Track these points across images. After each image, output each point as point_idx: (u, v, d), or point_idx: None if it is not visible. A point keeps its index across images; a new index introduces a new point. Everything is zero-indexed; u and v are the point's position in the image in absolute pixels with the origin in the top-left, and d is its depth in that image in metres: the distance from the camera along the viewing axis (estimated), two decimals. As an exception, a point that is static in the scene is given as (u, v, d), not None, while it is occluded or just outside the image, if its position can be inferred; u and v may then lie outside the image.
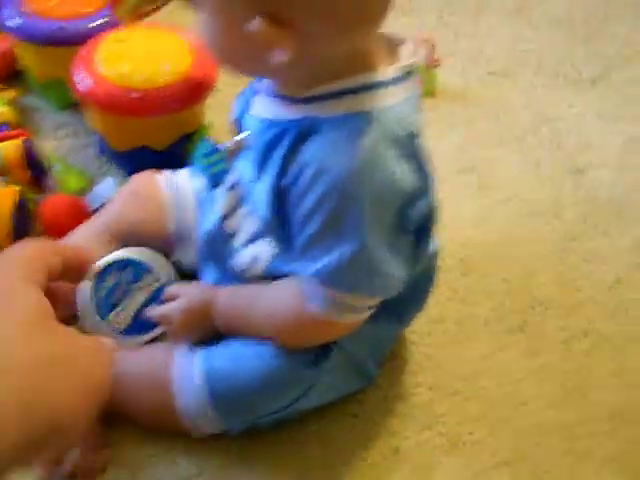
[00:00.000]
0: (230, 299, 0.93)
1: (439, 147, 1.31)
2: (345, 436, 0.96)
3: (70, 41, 1.25)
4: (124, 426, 0.94)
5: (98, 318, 0.96)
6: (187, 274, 1.03)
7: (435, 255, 0.95)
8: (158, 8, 1.20)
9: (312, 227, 0.79)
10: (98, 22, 1.27)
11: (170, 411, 0.90)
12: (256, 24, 0.70)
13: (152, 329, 0.96)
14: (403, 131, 0.77)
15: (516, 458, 0.96)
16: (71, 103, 1.33)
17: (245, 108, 0.89)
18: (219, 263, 0.96)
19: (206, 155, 0.95)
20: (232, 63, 0.79)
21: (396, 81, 0.79)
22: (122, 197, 1.08)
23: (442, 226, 1.13)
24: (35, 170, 1.17)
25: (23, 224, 1.12)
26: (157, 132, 1.17)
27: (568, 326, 1.09)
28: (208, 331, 0.94)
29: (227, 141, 0.91)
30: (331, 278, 0.80)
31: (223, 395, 0.88)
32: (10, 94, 1.34)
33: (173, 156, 1.17)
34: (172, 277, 1.00)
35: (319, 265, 0.80)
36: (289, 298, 0.87)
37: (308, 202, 0.77)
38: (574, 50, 1.54)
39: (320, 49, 0.74)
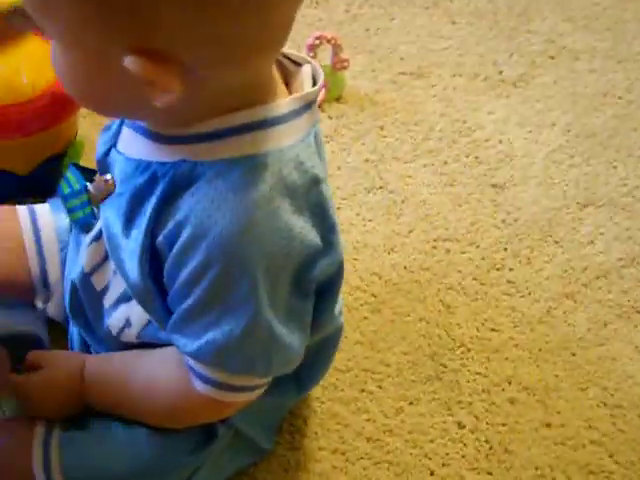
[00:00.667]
0: (101, 370, 0.79)
1: (346, 160, 1.19)
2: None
3: None
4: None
5: None
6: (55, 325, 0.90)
7: (340, 313, 0.81)
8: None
9: (193, 298, 0.65)
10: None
11: None
12: (130, 62, 0.56)
13: None
14: (302, 178, 0.65)
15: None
16: None
17: (112, 143, 0.73)
18: (87, 324, 0.82)
19: (68, 196, 0.80)
20: (99, 106, 0.66)
21: (294, 115, 0.65)
22: None
23: (348, 255, 1.02)
24: None
25: None
26: (17, 155, 1.00)
27: (489, 372, 0.97)
28: (75, 408, 0.80)
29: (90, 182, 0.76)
30: (217, 358, 0.67)
31: None
32: None
33: (39, 181, 1.01)
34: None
35: (201, 342, 0.66)
36: (171, 371, 0.73)
37: (188, 268, 0.64)
38: (496, 48, 1.41)
39: (207, 83, 0.59)
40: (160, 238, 0.65)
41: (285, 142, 0.64)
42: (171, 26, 0.54)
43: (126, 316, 0.76)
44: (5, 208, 0.92)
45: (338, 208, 1.10)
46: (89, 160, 0.81)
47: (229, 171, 0.62)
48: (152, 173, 0.66)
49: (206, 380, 0.70)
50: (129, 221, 0.68)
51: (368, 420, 0.91)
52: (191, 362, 0.69)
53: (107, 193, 0.72)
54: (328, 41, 1.23)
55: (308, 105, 0.67)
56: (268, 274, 0.64)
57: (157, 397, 0.75)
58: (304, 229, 0.65)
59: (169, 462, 0.76)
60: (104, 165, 0.74)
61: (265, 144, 0.63)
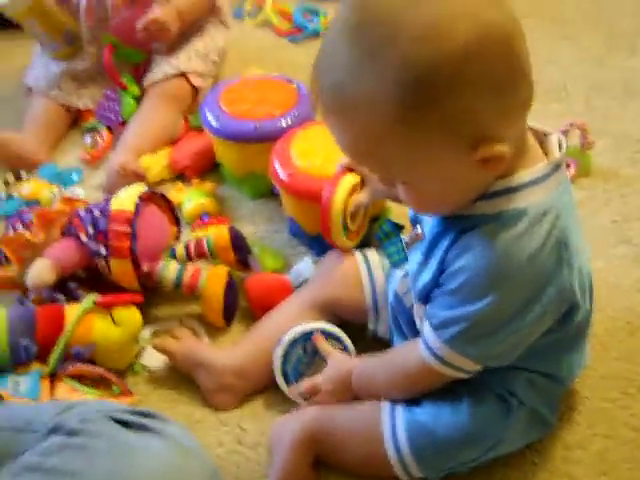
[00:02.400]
0: (366, 366, 1.10)
1: (595, 222, 1.44)
2: (528, 482, 1.08)
3: (264, 139, 1.45)
4: (330, 472, 1.10)
5: (285, 384, 1.14)
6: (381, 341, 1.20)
7: (589, 313, 1.04)
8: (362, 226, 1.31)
9: (448, 285, 0.93)
10: (289, 121, 1.47)
11: (379, 459, 1.04)
12: (483, 152, 0.84)
13: None
14: (546, 225, 0.90)
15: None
16: (263, 193, 1.52)
17: None
18: (404, 330, 1.12)
19: (388, 245, 1.14)
20: (443, 207, 0.94)
21: (548, 175, 0.92)
22: (322, 274, 1.25)
23: (602, 294, 1.25)
24: (240, 252, 1.35)
25: (232, 301, 1.30)
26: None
27: None
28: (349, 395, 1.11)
29: (406, 233, 1.06)
30: (441, 326, 0.94)
31: (424, 448, 1.02)
32: (209, 186, 1.55)
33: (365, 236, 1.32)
34: (352, 349, 1.17)
35: (443, 314, 0.94)
36: (411, 354, 1.01)
37: (454, 268, 0.92)
38: None
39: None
40: (446, 264, 0.93)
41: (541, 197, 0.91)
42: (488, 118, 0.83)
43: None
44: (346, 254, 1.25)
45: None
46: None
47: (499, 219, 0.90)
48: (446, 225, 0.95)
49: (430, 350, 0.96)
50: (428, 255, 0.98)
51: (631, 415, 1.14)
52: (426, 331, 0.96)
53: (416, 240, 1.03)
54: (577, 126, 1.50)
55: (557, 166, 0.93)
56: (510, 286, 0.90)
57: (397, 376, 1.05)
58: (545, 258, 0.90)
59: (482, 430, 1.02)
60: (415, 221, 1.04)
61: (528, 199, 0.90)
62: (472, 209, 0.91)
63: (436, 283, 0.96)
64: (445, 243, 0.94)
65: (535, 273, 0.90)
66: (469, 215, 0.91)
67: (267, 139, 1.44)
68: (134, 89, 1.73)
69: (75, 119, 1.82)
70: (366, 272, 1.22)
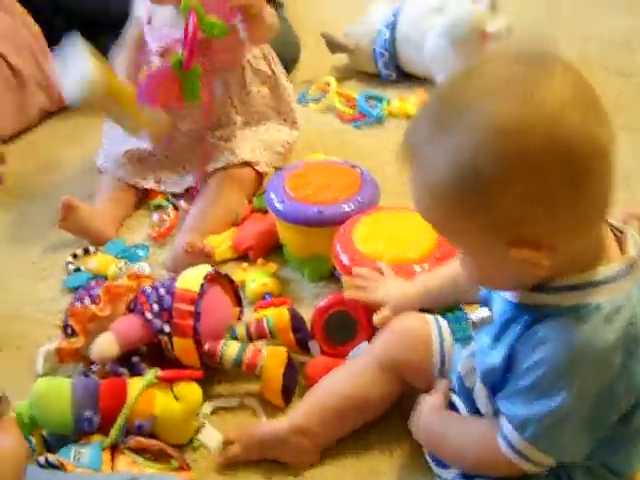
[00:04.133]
0: (431, 420, 1.11)
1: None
2: None
3: (327, 223, 1.49)
4: None
5: None
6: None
7: None
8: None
9: (525, 381, 0.94)
10: (352, 206, 1.50)
11: None
12: (514, 253, 0.87)
13: None
14: (620, 320, 0.91)
15: None
16: (324, 275, 1.55)
17: None
18: (468, 405, 1.11)
19: (451, 321, 1.15)
20: (494, 284, 0.99)
21: (621, 275, 0.93)
22: (390, 336, 1.24)
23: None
24: (300, 333, 1.37)
25: (291, 381, 1.32)
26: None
27: None
28: None
29: (474, 312, 1.07)
30: (522, 426, 0.95)
31: None
32: (272, 268, 1.58)
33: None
34: None
35: (519, 411, 0.95)
36: (482, 434, 1.02)
37: (530, 363, 0.93)
38: None
39: (565, 253, 0.89)
40: (518, 352, 0.95)
41: (616, 294, 0.92)
42: (534, 225, 0.86)
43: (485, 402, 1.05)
44: (420, 316, 1.24)
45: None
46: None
47: (574, 313, 0.91)
48: (517, 312, 0.96)
49: (509, 445, 0.97)
50: (497, 339, 0.99)
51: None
52: (505, 427, 0.97)
53: (485, 322, 1.04)
54: (634, 216, 1.51)
55: (633, 265, 0.94)
56: (582, 384, 0.91)
57: (467, 450, 1.05)
58: (616, 355, 0.91)
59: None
60: (485, 301, 1.06)
61: (603, 295, 0.92)
62: (545, 299, 0.93)
63: (504, 371, 0.97)
64: (516, 330, 0.95)
65: (609, 367, 0.91)
66: (542, 305, 0.93)
67: (330, 223, 1.47)
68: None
69: (142, 198, 1.87)
70: (437, 335, 1.20)
